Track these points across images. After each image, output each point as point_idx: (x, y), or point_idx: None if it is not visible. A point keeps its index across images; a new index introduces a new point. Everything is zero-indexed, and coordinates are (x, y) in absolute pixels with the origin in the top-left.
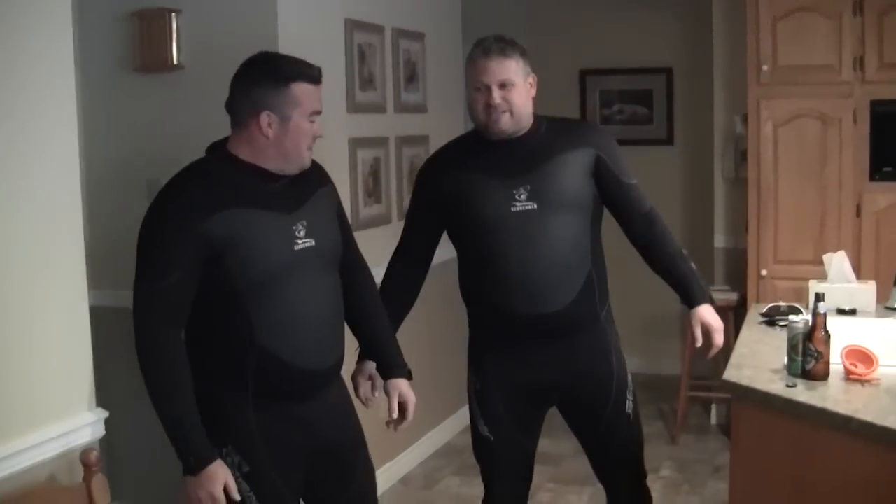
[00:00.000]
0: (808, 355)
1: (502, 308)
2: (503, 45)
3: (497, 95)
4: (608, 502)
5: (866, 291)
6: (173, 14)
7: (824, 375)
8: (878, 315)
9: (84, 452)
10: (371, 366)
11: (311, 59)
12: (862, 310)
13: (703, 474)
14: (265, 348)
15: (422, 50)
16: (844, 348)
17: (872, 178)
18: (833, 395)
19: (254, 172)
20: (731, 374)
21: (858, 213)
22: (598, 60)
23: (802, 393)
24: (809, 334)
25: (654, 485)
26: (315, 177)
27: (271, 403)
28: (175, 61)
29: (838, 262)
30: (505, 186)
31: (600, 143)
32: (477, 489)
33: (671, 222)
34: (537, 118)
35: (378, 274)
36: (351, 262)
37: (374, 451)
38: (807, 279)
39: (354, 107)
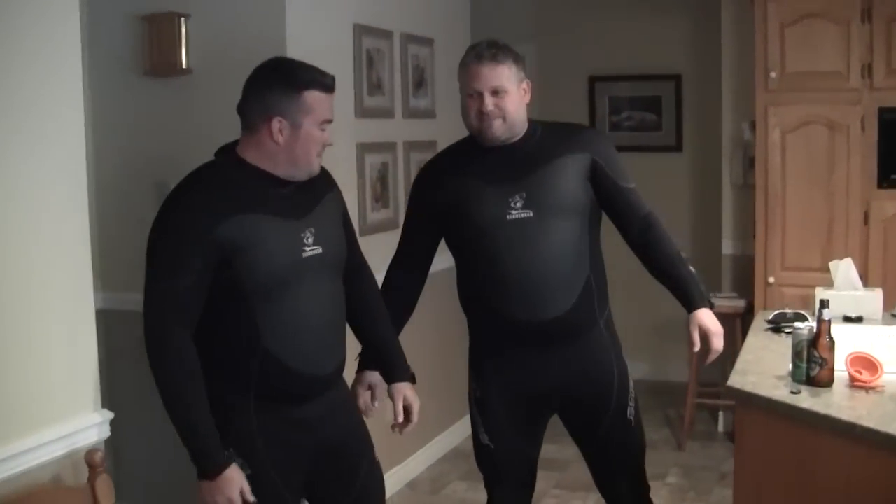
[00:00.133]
0: (812, 362)
1: (501, 315)
2: (496, 50)
3: (489, 102)
4: None
5: (873, 299)
6: (182, 18)
7: (828, 382)
8: (885, 323)
9: (89, 453)
10: (370, 375)
11: (319, 64)
12: (868, 317)
13: (709, 481)
14: (269, 352)
15: (430, 55)
16: (849, 355)
17: (880, 185)
18: (837, 402)
19: (263, 177)
20: (735, 380)
21: (866, 220)
22: (607, 67)
23: (806, 399)
24: (814, 341)
25: (660, 491)
26: (322, 182)
27: (272, 406)
28: (184, 65)
29: (845, 269)
30: (500, 194)
31: (596, 148)
32: (483, 494)
33: (679, 229)
34: (532, 123)
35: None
36: (355, 266)
37: (381, 456)
38: (814, 286)
39: (363, 112)
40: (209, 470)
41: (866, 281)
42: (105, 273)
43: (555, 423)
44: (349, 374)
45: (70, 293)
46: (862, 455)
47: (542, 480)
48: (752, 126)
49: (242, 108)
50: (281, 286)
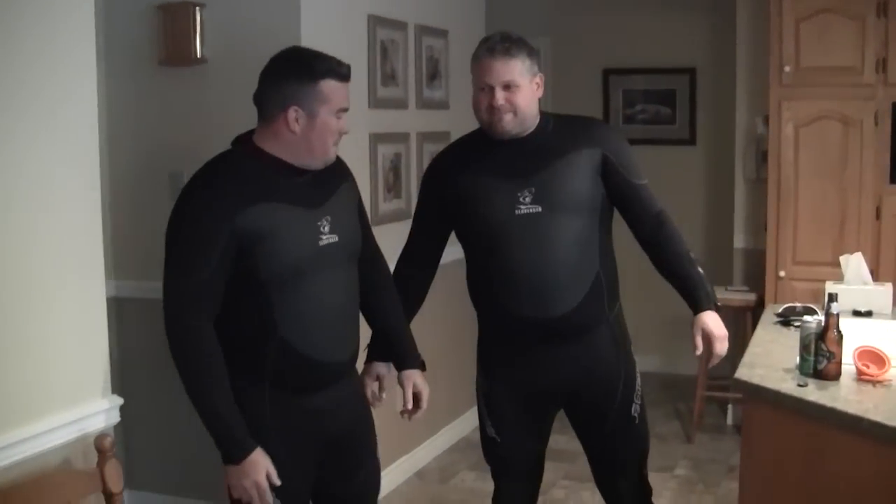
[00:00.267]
0: (820, 355)
1: (509, 310)
2: (509, 44)
3: (500, 97)
4: None
5: (883, 293)
6: (197, 8)
7: (836, 375)
8: (895, 317)
9: (98, 438)
10: (379, 366)
11: (333, 54)
12: (878, 312)
13: (717, 474)
14: (285, 339)
15: (445, 47)
16: (857, 349)
17: (893, 180)
18: (844, 396)
19: (280, 167)
20: (743, 372)
21: (878, 215)
22: (622, 60)
23: (813, 392)
24: (822, 334)
25: (669, 483)
26: (338, 171)
27: (286, 395)
28: (198, 55)
29: (855, 263)
30: (509, 189)
31: (607, 143)
32: (491, 484)
33: (691, 222)
34: (544, 116)
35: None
36: (369, 255)
37: (390, 445)
38: (825, 281)
39: (376, 102)
40: (235, 455)
41: (877, 276)
42: (118, 261)
43: (564, 415)
44: (362, 364)
45: (81, 280)
46: (868, 448)
47: (551, 472)
48: (766, 120)
49: (258, 99)
50: (298, 274)
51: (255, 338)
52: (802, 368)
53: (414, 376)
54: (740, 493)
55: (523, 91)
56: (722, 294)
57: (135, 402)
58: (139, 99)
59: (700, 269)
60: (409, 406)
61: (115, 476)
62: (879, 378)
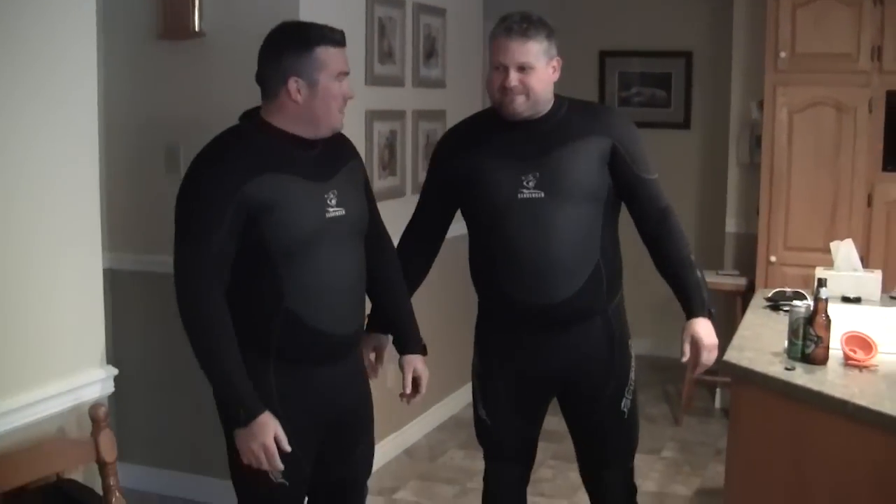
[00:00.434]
0: (808, 339)
1: (506, 294)
2: (527, 25)
3: (514, 78)
4: None
5: (872, 280)
6: None
7: (823, 360)
8: (883, 304)
9: (93, 407)
10: (378, 338)
11: None
12: (867, 298)
13: (704, 456)
14: (291, 310)
15: (442, 25)
16: (844, 334)
17: (885, 168)
18: (831, 380)
19: (288, 140)
20: (731, 355)
21: (870, 202)
22: (619, 42)
23: (801, 376)
24: (811, 319)
25: (656, 465)
26: (345, 149)
27: (291, 368)
28: (197, 29)
29: (845, 250)
30: (514, 171)
31: (619, 133)
32: (480, 463)
33: (684, 205)
34: (558, 100)
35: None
36: (375, 235)
37: (380, 422)
38: (816, 266)
39: (373, 79)
40: (244, 417)
41: (867, 262)
42: (112, 234)
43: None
44: None
45: (79, 251)
46: (853, 431)
47: (539, 451)
48: (761, 105)
49: (260, 77)
50: (304, 246)
51: (262, 309)
52: (791, 352)
53: (415, 361)
54: (726, 474)
55: (538, 73)
56: (712, 278)
57: (125, 375)
58: (137, 72)
59: (699, 274)
60: (409, 390)
61: (108, 445)
62: (866, 363)
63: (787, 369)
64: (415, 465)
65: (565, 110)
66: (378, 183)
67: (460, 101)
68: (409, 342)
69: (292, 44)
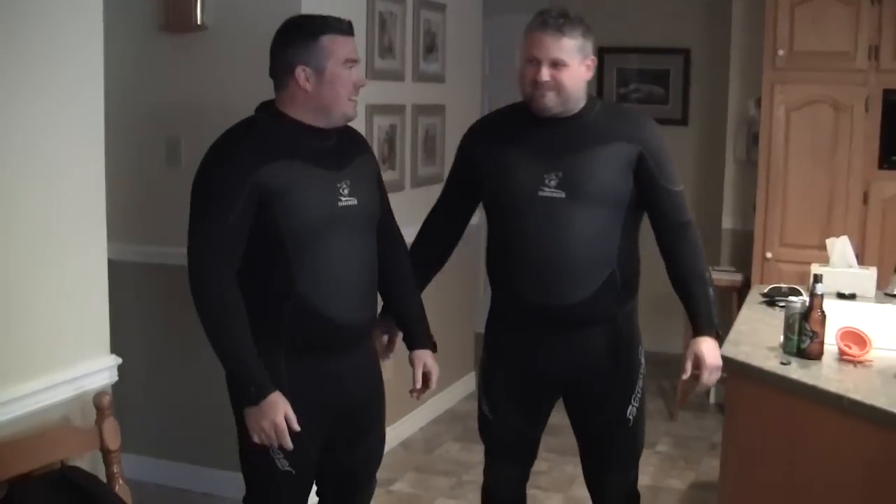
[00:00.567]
0: (803, 335)
1: (518, 291)
2: (564, 20)
3: (545, 73)
4: None
5: (867, 277)
6: None
7: (818, 355)
8: (878, 301)
9: (97, 396)
10: (391, 325)
11: None
12: (862, 295)
13: (699, 451)
14: (302, 296)
15: (442, 21)
16: (840, 329)
17: (881, 166)
18: (826, 374)
19: (302, 129)
20: (728, 350)
21: (865, 200)
22: (617, 39)
23: (796, 371)
24: (806, 314)
25: (651, 459)
26: (359, 143)
27: (302, 357)
28: (199, 22)
29: (841, 246)
30: (537, 168)
31: (648, 141)
32: (476, 455)
33: None
34: (591, 101)
35: None
36: (387, 231)
37: None
38: (811, 263)
39: (373, 74)
40: (255, 395)
41: (862, 260)
42: (112, 224)
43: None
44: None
45: (84, 242)
46: (847, 426)
47: None
48: (758, 103)
49: (272, 70)
50: (316, 232)
51: (274, 294)
52: (786, 347)
53: (425, 356)
54: (721, 467)
55: (571, 71)
56: None
57: (123, 366)
58: (139, 65)
59: (711, 292)
60: (419, 386)
61: (112, 433)
62: (860, 358)
63: (782, 364)
64: (411, 458)
65: (597, 111)
66: None
67: (459, 96)
68: (419, 338)
69: (299, 34)
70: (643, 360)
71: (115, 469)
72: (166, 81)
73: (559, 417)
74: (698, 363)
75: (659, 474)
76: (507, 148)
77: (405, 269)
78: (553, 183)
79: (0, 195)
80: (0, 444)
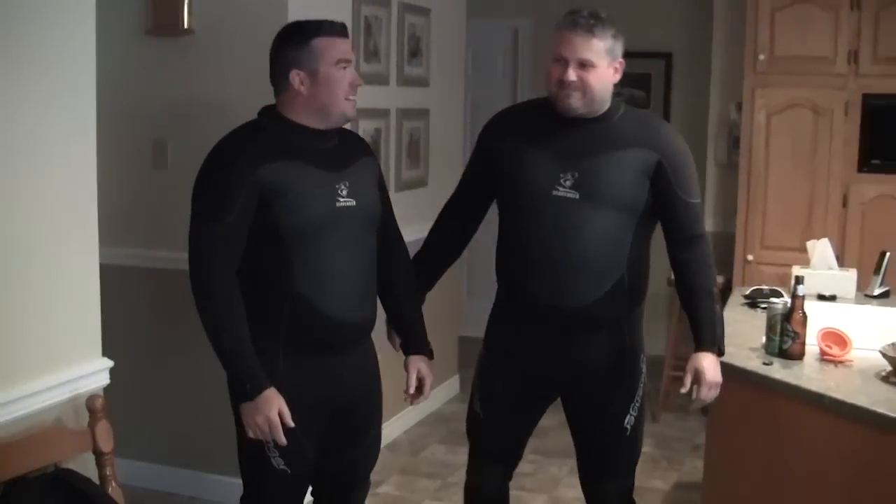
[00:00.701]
0: (785, 335)
1: (524, 289)
2: (594, 21)
3: (572, 73)
4: None
5: (847, 279)
6: None
7: (800, 355)
8: (858, 302)
9: (90, 398)
10: (420, 362)
11: None
12: (842, 296)
13: (682, 452)
14: (301, 294)
15: (427, 25)
16: (821, 330)
17: (861, 169)
18: (807, 374)
19: (303, 131)
20: None
21: (845, 203)
22: None
23: (778, 371)
24: (788, 315)
25: None
26: (361, 146)
27: (301, 356)
28: (186, 26)
29: (822, 248)
30: (554, 168)
31: (668, 150)
32: (461, 457)
33: None
34: (616, 104)
35: None
36: (389, 236)
37: None
38: (792, 265)
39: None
40: (250, 391)
41: (842, 262)
42: (99, 228)
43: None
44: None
45: (77, 245)
46: (829, 423)
47: None
48: (739, 107)
49: (271, 76)
50: (315, 232)
51: (273, 292)
52: (768, 348)
53: (420, 362)
54: (705, 466)
55: (598, 72)
56: None
57: (112, 370)
58: (125, 68)
59: (717, 308)
60: (412, 391)
61: (105, 436)
62: (841, 358)
63: (765, 364)
64: (397, 460)
65: (620, 115)
66: None
67: (443, 99)
68: (415, 343)
69: (292, 38)
70: (644, 369)
71: (109, 471)
72: (153, 85)
73: (545, 419)
74: (698, 378)
75: (642, 475)
76: (526, 144)
77: (405, 274)
78: (568, 183)
79: None
80: None
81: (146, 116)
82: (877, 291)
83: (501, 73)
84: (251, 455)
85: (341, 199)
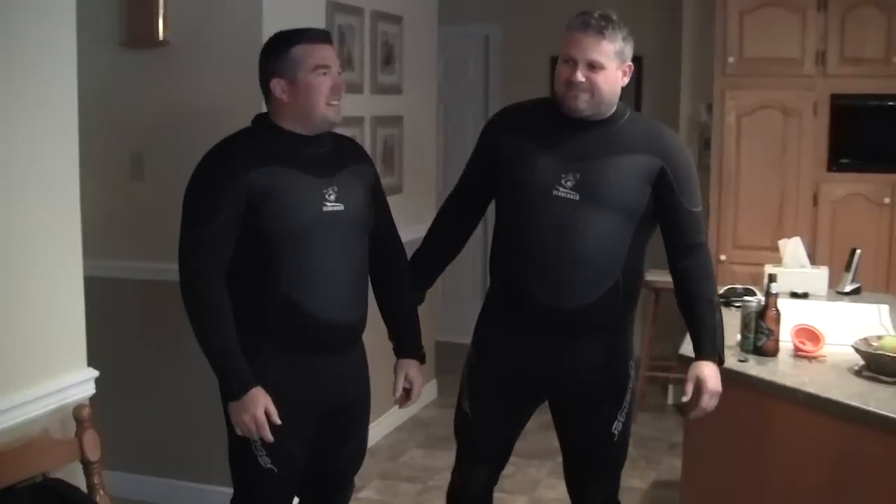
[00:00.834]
0: (760, 333)
1: (517, 290)
2: (605, 23)
3: (581, 74)
4: None
5: (819, 276)
6: None
7: (774, 352)
8: (830, 299)
9: (77, 408)
10: (410, 365)
11: None
12: (814, 294)
13: (659, 451)
14: (287, 296)
15: (399, 33)
16: (794, 327)
17: (830, 168)
18: (782, 370)
19: (293, 138)
20: (687, 349)
21: (815, 202)
22: None
23: (754, 367)
24: (762, 313)
25: None
26: (354, 152)
27: (290, 356)
28: (161, 37)
29: (793, 247)
30: (556, 168)
31: (672, 158)
32: (440, 461)
33: None
34: (621, 108)
35: None
36: (386, 238)
37: None
38: (764, 265)
39: None
40: (235, 390)
41: (814, 260)
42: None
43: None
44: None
45: (60, 256)
46: (803, 418)
47: None
48: (709, 109)
49: (260, 86)
50: (302, 235)
51: (261, 295)
52: (743, 345)
53: (410, 366)
54: (683, 464)
55: (607, 74)
56: (663, 277)
57: (99, 387)
58: (100, 80)
59: (718, 317)
60: (399, 395)
61: (93, 445)
62: (814, 354)
63: (740, 361)
64: (377, 465)
65: (626, 120)
66: None
67: (416, 106)
68: (407, 346)
69: (272, 49)
70: (632, 374)
71: (96, 480)
72: (129, 97)
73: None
74: (699, 387)
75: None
76: (530, 142)
77: (402, 278)
78: (569, 184)
79: None
80: None
81: (122, 128)
82: (848, 288)
83: (472, 79)
84: (239, 455)
85: (329, 204)
